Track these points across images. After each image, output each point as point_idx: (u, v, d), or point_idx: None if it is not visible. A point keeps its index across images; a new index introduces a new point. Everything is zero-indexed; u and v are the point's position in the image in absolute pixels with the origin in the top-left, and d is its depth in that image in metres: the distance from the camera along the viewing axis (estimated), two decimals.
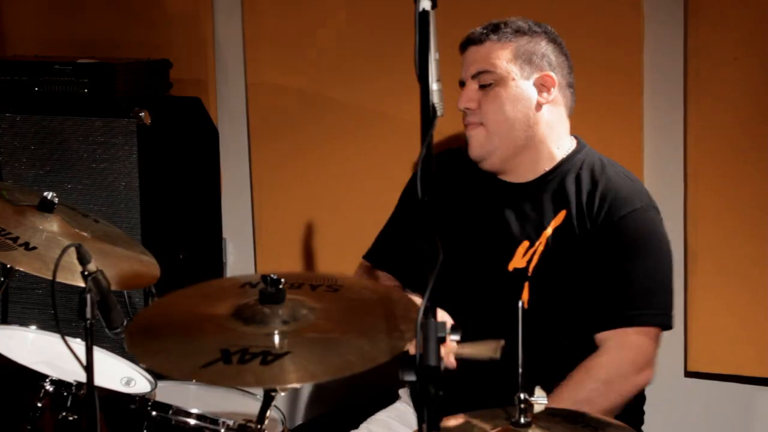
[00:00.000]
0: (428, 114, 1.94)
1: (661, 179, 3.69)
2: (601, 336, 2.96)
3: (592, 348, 3.00)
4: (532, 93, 3.05)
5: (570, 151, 3.12)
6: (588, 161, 3.10)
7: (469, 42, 3.10)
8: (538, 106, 3.05)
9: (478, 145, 3.07)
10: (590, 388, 2.90)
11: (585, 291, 3.00)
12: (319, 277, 2.53)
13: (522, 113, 3.04)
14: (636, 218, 3.00)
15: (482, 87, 3.05)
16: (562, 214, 3.04)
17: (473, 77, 3.06)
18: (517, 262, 3.04)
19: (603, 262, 2.97)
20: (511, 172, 3.12)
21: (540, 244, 3.03)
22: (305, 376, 2.18)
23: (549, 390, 2.65)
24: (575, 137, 3.16)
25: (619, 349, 2.94)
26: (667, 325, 3.00)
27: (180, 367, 2.20)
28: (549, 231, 3.03)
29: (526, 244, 3.05)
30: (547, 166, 3.10)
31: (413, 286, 3.03)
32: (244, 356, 2.15)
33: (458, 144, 3.24)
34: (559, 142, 3.11)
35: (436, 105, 1.95)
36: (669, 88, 3.69)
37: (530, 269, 3.03)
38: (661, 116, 3.72)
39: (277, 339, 2.21)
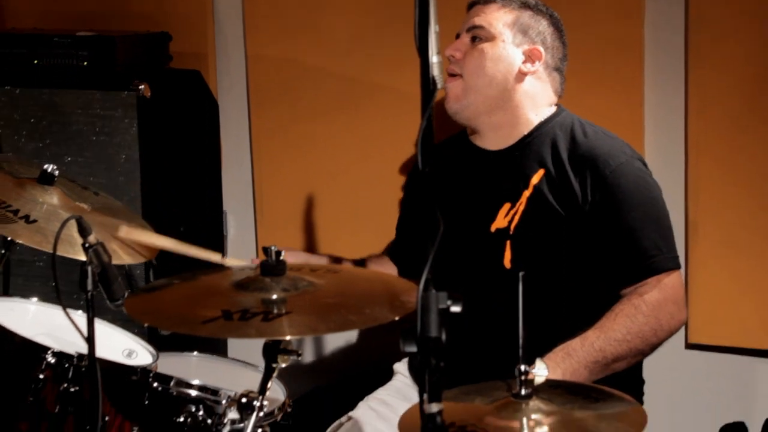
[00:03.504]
0: (428, 86, 1.94)
1: (662, 151, 3.69)
2: (630, 289, 3.00)
3: (577, 308, 3.05)
4: (516, 59, 3.12)
5: (548, 116, 3.18)
6: (566, 123, 3.16)
7: (477, 1, 3.20)
8: (520, 74, 3.12)
9: (454, 97, 3.15)
10: (642, 322, 2.95)
11: (575, 249, 3.03)
12: (318, 265, 2.57)
13: (501, 74, 3.12)
14: (625, 171, 3.03)
15: (473, 40, 3.15)
16: (540, 173, 3.08)
17: (468, 30, 3.16)
18: (499, 222, 3.11)
19: (602, 219, 3.01)
20: (488, 134, 3.19)
21: (520, 204, 3.08)
22: (305, 330, 2.21)
23: (536, 353, 2.69)
24: (557, 105, 3.20)
25: (658, 290, 2.97)
26: (678, 266, 3.04)
27: (181, 324, 2.22)
28: (529, 190, 3.08)
29: (507, 205, 3.10)
30: (525, 131, 3.16)
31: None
32: (245, 315, 2.17)
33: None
34: (537, 110, 3.17)
35: (436, 77, 1.95)
36: (670, 61, 3.69)
37: (511, 228, 3.07)
38: (662, 89, 3.71)
39: (277, 300, 2.23)
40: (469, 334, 2.96)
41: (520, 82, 3.13)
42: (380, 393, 3.32)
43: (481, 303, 3.02)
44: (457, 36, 3.19)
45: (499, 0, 3.16)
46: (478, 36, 3.13)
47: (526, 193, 3.07)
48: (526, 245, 3.06)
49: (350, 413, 3.24)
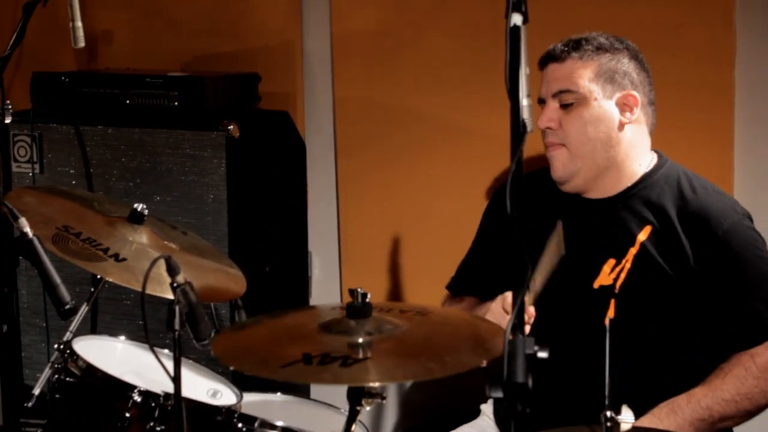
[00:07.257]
0: (518, 129, 1.93)
1: (752, 196, 3.63)
2: (743, 352, 2.94)
3: (681, 365, 2.99)
4: (614, 113, 3.01)
5: (651, 166, 3.09)
6: (672, 175, 3.07)
7: (550, 59, 3.05)
8: (621, 126, 3.02)
9: (561, 167, 3.05)
10: (752, 384, 2.89)
11: (682, 308, 2.97)
12: (409, 305, 2.56)
13: (604, 134, 3.01)
14: (737, 230, 2.96)
15: (563, 106, 3.02)
16: (647, 229, 3.00)
17: (554, 96, 3.03)
18: (603, 279, 3.02)
19: (713, 280, 2.95)
20: (593, 190, 3.10)
21: (627, 261, 3.00)
22: (384, 377, 2.20)
23: (638, 410, 2.64)
24: (656, 152, 3.13)
25: None
26: None
27: (261, 368, 2.23)
28: (636, 248, 2.99)
29: (612, 261, 3.02)
30: (629, 182, 3.07)
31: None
32: (325, 359, 2.17)
33: (538, 162, 3.22)
34: (640, 159, 3.08)
35: (525, 120, 1.94)
36: (761, 105, 3.64)
37: (617, 286, 3.00)
38: (752, 133, 3.67)
39: (359, 344, 2.24)
40: (564, 385, 2.93)
41: (622, 136, 3.02)
42: (464, 429, 3.29)
43: (581, 357, 2.96)
44: (540, 101, 3.06)
45: (574, 52, 3.01)
46: (568, 101, 3.00)
47: (633, 251, 2.99)
48: (632, 304, 2.98)
49: None
